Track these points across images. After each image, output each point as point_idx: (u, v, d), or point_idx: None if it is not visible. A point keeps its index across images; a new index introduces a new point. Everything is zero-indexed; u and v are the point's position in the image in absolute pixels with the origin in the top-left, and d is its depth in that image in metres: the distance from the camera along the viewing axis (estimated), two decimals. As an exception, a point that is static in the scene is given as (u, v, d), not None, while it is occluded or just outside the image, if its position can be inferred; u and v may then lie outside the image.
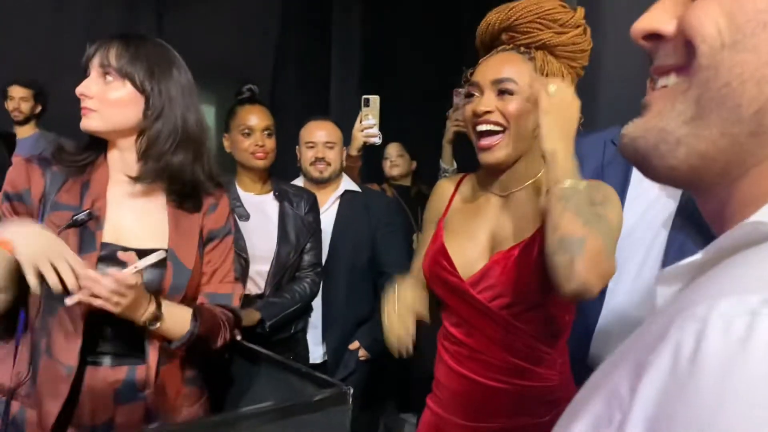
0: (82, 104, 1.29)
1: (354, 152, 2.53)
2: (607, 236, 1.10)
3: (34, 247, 1.14)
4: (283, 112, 4.10)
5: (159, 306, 1.25)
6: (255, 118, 2.10)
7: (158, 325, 1.25)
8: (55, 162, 1.31)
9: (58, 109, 2.98)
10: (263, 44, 4.32)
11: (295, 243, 2.12)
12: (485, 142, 1.23)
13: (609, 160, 1.63)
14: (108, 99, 1.29)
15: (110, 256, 1.27)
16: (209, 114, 4.67)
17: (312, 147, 2.33)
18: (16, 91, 3.56)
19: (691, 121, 0.40)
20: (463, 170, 2.93)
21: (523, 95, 1.21)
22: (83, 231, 1.27)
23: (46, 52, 3.52)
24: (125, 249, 1.29)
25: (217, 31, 4.13)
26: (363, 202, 2.44)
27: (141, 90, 1.30)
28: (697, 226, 1.47)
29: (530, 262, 1.19)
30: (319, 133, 2.32)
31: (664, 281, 0.40)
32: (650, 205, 1.56)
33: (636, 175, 1.59)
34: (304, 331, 2.26)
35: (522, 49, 1.25)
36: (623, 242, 1.51)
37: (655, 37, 0.44)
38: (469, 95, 1.27)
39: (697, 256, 0.37)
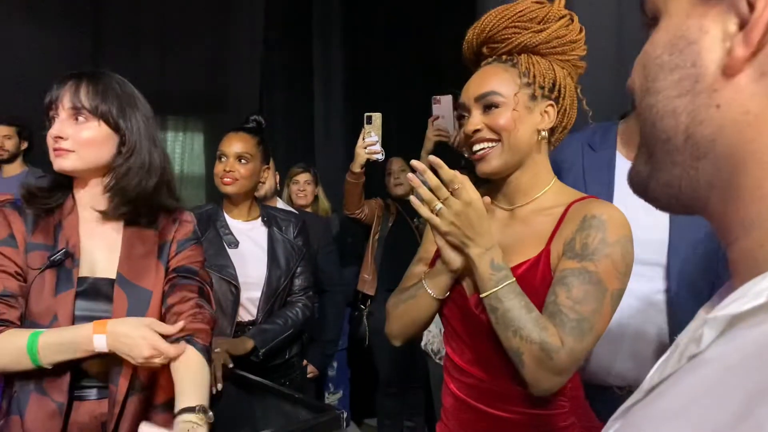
0: (56, 145, 1.29)
1: (357, 169, 2.56)
2: (572, 319, 1.07)
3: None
4: (270, 136, 4.13)
5: None
6: (230, 143, 2.06)
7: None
8: (27, 205, 1.33)
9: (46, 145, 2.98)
10: (247, 72, 4.35)
11: (285, 268, 2.11)
12: (478, 153, 1.20)
13: (589, 165, 1.59)
14: (83, 139, 1.31)
15: (88, 291, 1.30)
16: (198, 141, 4.69)
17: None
18: None
19: (648, 161, 0.46)
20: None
21: (510, 105, 1.16)
22: (60, 269, 1.29)
23: (29, 88, 3.53)
24: (98, 279, 1.33)
25: (204, 62, 4.17)
26: None
27: (115, 128, 1.34)
28: (695, 228, 1.43)
29: (534, 284, 1.14)
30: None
31: (715, 326, 0.39)
32: (642, 208, 1.54)
33: (620, 177, 1.54)
34: (299, 356, 2.25)
35: (505, 57, 1.21)
36: None
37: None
38: (461, 118, 1.23)
39: (759, 302, 0.35)
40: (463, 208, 1.10)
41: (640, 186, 0.48)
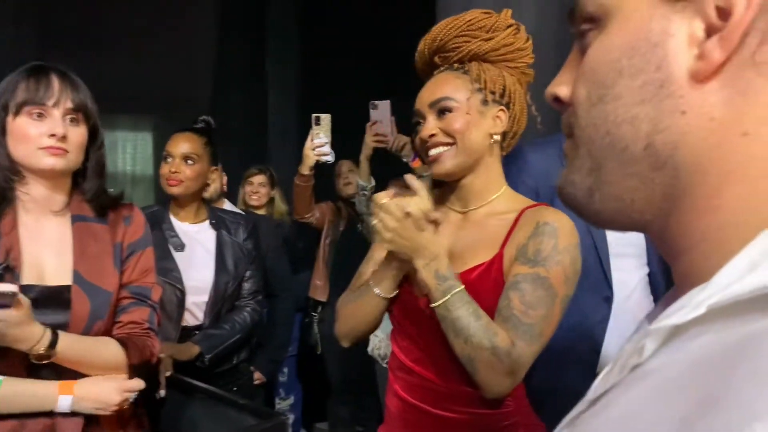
0: (58, 144, 1.26)
1: (306, 171, 2.52)
2: (526, 322, 1.11)
3: None
4: (224, 137, 4.08)
5: (53, 344, 1.20)
6: (177, 144, 2.01)
7: (46, 362, 1.20)
8: None
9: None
10: (202, 73, 4.29)
11: (234, 272, 2.08)
12: (433, 155, 1.23)
13: None
14: (79, 141, 1.30)
15: (37, 300, 1.24)
16: (148, 141, 4.59)
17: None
18: None
19: (592, 172, 0.43)
20: (382, 186, 2.94)
21: (463, 109, 1.20)
22: None
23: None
24: (49, 287, 1.27)
25: (155, 61, 4.09)
26: None
27: (92, 128, 1.34)
28: None
29: (487, 287, 1.16)
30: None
31: (656, 337, 0.38)
32: None
33: None
34: (247, 361, 2.22)
35: (456, 65, 1.25)
36: (615, 248, 1.58)
37: (559, 99, 0.47)
38: (416, 125, 1.26)
39: (699, 312, 0.35)
40: (396, 224, 1.13)
41: (575, 199, 0.45)
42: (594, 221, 0.45)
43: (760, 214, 0.36)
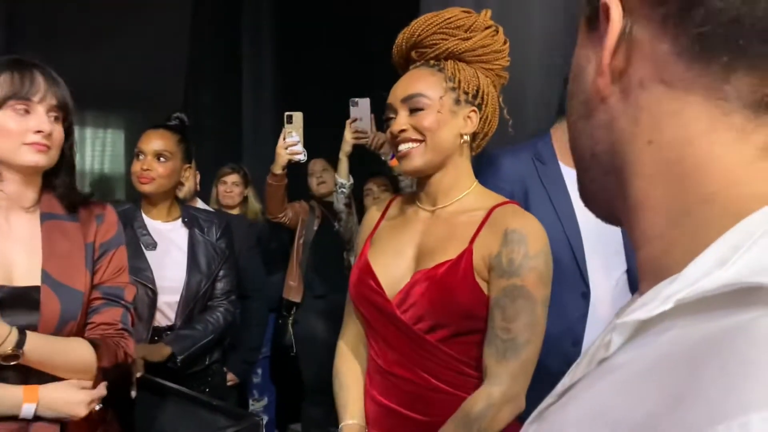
0: (41, 140, 1.25)
1: (278, 170, 2.50)
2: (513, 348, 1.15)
3: None
4: (196, 135, 4.03)
5: (20, 343, 1.16)
6: (149, 141, 1.97)
7: (14, 363, 1.17)
8: None
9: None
10: (174, 69, 4.22)
11: (207, 271, 2.04)
12: (403, 151, 1.24)
13: (545, 177, 1.67)
14: (59, 138, 1.30)
15: (4, 300, 1.21)
16: (119, 138, 4.52)
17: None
18: None
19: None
20: (359, 184, 2.93)
21: (435, 107, 1.21)
22: None
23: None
24: (17, 288, 1.24)
25: (128, 57, 4.02)
26: None
27: (69, 127, 1.33)
28: None
29: (456, 281, 1.17)
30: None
31: (623, 331, 0.39)
32: None
33: (571, 186, 1.64)
34: (220, 362, 2.18)
35: (432, 62, 1.26)
36: (591, 246, 1.61)
37: None
38: (388, 119, 1.28)
39: (667, 306, 0.35)
40: None
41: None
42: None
43: (693, 215, 0.38)
